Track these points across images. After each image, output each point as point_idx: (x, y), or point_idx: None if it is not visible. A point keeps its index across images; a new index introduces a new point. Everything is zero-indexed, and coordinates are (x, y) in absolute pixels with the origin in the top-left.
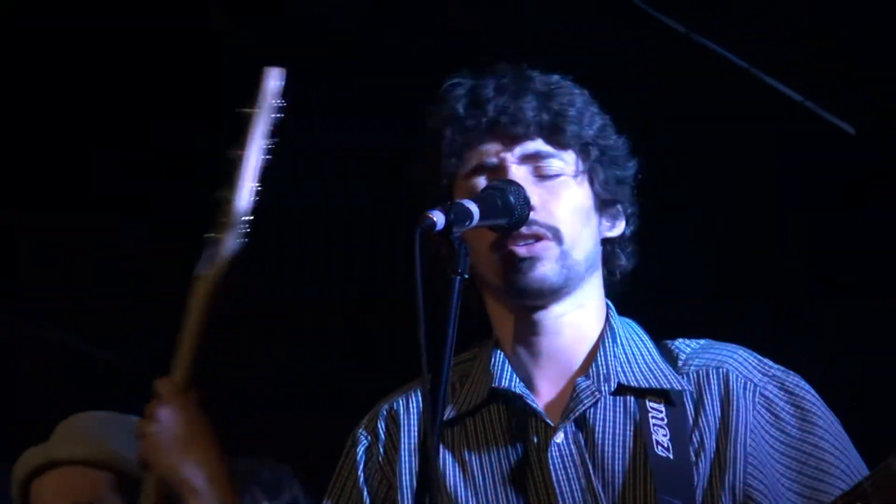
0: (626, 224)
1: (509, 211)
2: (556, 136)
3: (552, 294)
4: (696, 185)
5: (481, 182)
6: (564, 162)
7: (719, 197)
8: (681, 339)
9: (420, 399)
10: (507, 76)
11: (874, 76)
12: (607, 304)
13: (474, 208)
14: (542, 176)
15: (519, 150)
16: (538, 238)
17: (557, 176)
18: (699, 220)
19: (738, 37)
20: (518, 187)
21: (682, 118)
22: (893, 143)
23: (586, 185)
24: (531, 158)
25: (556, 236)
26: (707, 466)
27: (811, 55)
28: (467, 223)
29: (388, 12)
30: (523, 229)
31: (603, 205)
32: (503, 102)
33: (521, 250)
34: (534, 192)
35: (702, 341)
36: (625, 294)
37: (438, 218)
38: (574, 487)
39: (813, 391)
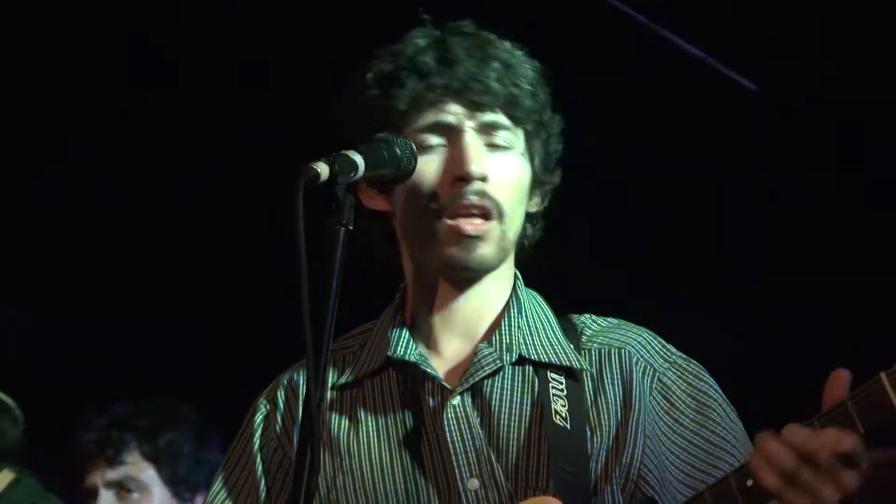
0: (543, 200)
1: (395, 162)
2: (513, 110)
3: (485, 273)
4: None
5: (433, 140)
6: (516, 136)
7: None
8: (588, 315)
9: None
10: (472, 38)
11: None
12: (516, 274)
13: (359, 159)
14: (493, 146)
15: (480, 117)
16: (486, 214)
17: (508, 149)
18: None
19: None
20: (406, 141)
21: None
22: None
23: (528, 162)
24: (488, 128)
25: (500, 214)
26: (603, 443)
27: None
28: (352, 174)
29: None
30: (473, 198)
31: (537, 184)
32: (472, 67)
33: (468, 227)
34: (485, 162)
35: (611, 320)
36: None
37: (322, 169)
38: (468, 448)
39: (712, 381)
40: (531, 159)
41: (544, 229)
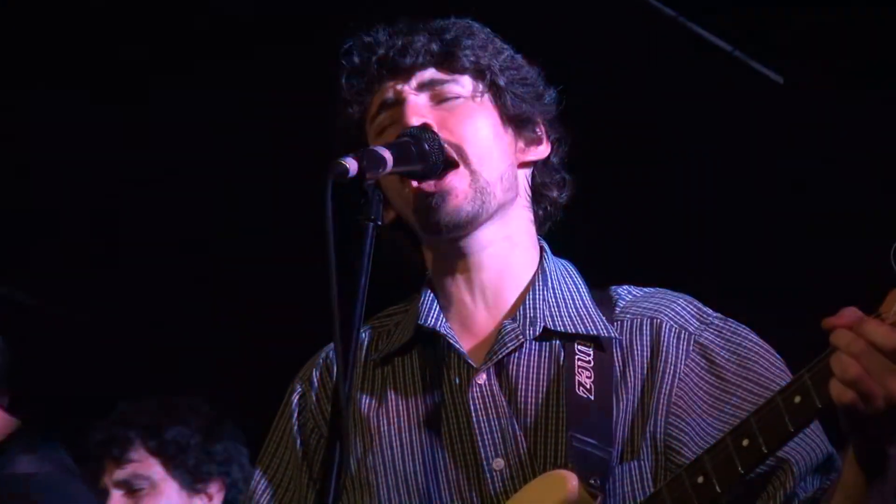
0: (551, 150)
1: (424, 158)
2: (448, 62)
3: (469, 223)
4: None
5: (385, 119)
6: (461, 86)
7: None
8: (626, 286)
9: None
10: (402, 23)
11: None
12: (541, 246)
13: (387, 155)
14: (439, 101)
15: (414, 80)
16: (447, 163)
17: (455, 98)
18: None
19: None
20: (433, 135)
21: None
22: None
23: (488, 104)
24: (427, 86)
25: (461, 155)
26: (629, 413)
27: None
28: (380, 170)
29: None
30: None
31: (512, 122)
32: (394, 42)
33: (429, 185)
34: (431, 116)
35: (648, 289)
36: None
37: (351, 165)
38: (494, 428)
39: (752, 334)
40: (494, 101)
41: (572, 191)
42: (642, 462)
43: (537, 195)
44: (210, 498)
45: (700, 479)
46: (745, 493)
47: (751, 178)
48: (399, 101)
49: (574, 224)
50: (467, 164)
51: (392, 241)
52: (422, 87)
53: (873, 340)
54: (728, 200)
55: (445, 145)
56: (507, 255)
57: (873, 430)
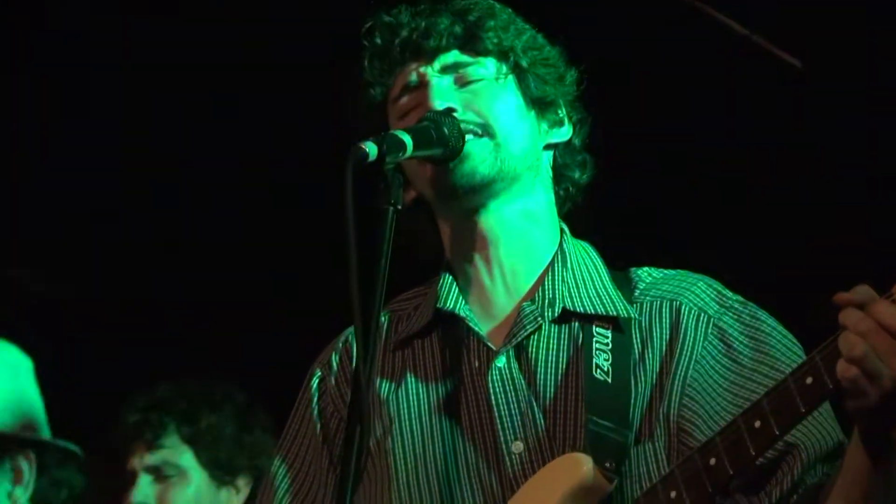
0: (574, 131)
1: (443, 142)
2: (471, 44)
3: (484, 187)
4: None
5: (408, 102)
6: (484, 68)
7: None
8: (646, 268)
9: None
10: (424, 3)
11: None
12: (562, 228)
13: (407, 139)
14: (463, 83)
15: (437, 63)
16: (473, 132)
17: (478, 81)
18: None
19: None
20: (452, 119)
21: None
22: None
23: (513, 86)
24: (450, 69)
25: (487, 131)
26: (645, 395)
27: None
28: (400, 154)
29: None
30: None
31: (537, 104)
32: (417, 23)
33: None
34: (456, 98)
35: (668, 271)
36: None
37: (371, 149)
38: (513, 411)
39: (770, 318)
40: (518, 83)
41: (592, 172)
42: (657, 443)
43: (558, 176)
44: (237, 490)
45: (712, 461)
46: (754, 478)
47: (767, 163)
48: (422, 84)
49: (592, 207)
50: (492, 137)
51: (411, 226)
52: (445, 69)
53: (881, 321)
54: (744, 185)
55: (470, 126)
56: (527, 233)
57: (879, 413)
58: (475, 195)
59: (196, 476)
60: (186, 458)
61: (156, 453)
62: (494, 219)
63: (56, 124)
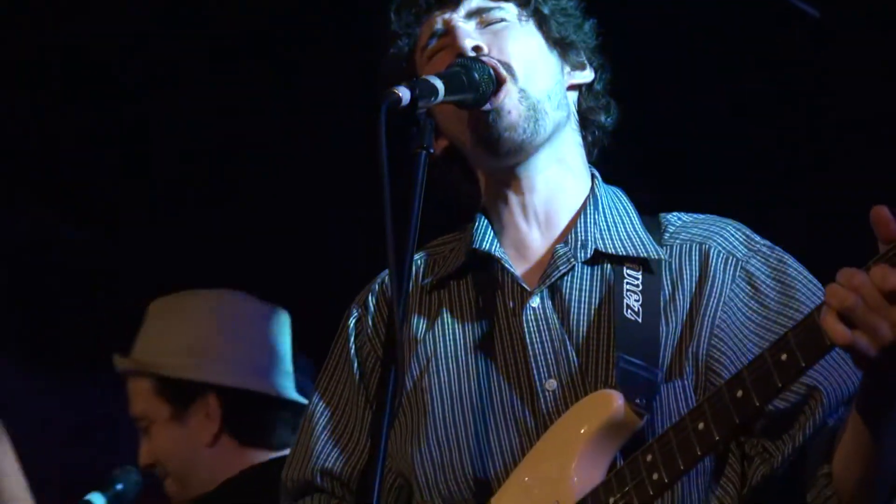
0: (595, 74)
1: (474, 86)
2: None
3: (526, 147)
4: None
5: (435, 46)
6: (506, 11)
7: None
8: (676, 213)
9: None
10: None
11: None
12: (592, 173)
13: (439, 84)
14: (486, 24)
15: (462, 9)
16: (499, 79)
17: (500, 21)
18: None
19: None
20: (483, 65)
21: None
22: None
23: (533, 28)
24: (474, 14)
25: (510, 71)
26: (674, 335)
27: None
28: (433, 98)
29: None
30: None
31: (558, 45)
32: None
33: (485, 104)
34: (480, 39)
35: (697, 216)
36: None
37: (404, 93)
38: (547, 350)
39: (797, 263)
40: (539, 26)
41: (617, 114)
42: (686, 381)
43: (584, 120)
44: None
45: (739, 393)
46: (777, 422)
47: (785, 115)
48: (448, 30)
49: (620, 155)
50: (515, 80)
51: (443, 173)
52: (469, 15)
53: (873, 279)
54: (765, 134)
55: (495, 69)
56: (561, 180)
57: (884, 365)
58: (517, 154)
59: None
60: None
61: None
62: (533, 169)
63: None
